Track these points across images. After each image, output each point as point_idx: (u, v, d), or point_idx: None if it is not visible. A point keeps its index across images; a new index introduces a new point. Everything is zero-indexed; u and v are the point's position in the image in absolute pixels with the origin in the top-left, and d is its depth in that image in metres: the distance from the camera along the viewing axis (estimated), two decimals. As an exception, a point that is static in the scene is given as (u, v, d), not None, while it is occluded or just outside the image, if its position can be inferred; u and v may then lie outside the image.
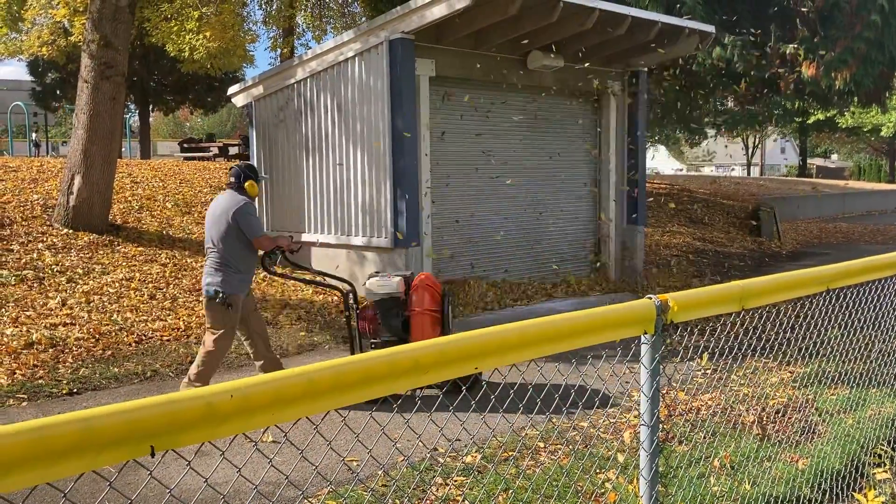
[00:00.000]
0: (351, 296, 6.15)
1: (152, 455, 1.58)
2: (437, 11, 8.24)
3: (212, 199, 13.10)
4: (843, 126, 37.33)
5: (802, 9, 13.46)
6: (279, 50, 24.34)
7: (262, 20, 24.48)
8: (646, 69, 11.67)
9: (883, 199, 29.65)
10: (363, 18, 22.91)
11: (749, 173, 57.00)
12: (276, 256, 5.97)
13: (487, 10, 8.56)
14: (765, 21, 13.51)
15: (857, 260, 4.09)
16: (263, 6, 23.89)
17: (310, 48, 25.31)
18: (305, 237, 10.27)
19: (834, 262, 4.01)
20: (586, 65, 10.42)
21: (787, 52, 13.06)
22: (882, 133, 38.01)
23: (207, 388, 1.74)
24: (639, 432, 2.91)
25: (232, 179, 5.78)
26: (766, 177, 47.32)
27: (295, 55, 23.25)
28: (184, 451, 1.72)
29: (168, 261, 9.89)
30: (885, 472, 4.40)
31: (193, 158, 22.53)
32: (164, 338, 7.71)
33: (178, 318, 8.19)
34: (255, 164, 11.25)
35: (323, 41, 24.36)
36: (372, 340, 6.12)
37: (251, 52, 29.92)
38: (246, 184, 5.76)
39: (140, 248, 10.16)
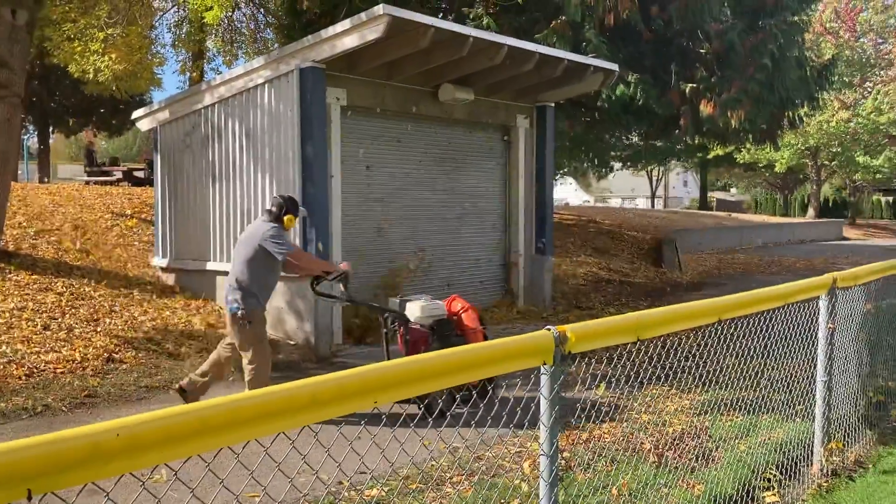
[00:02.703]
0: (390, 319, 6.44)
1: (28, 499, 1.51)
2: (349, 42, 8.28)
3: (114, 226, 12.71)
4: (741, 161, 39.16)
5: (701, 50, 14.14)
6: (188, 74, 23.90)
7: (171, 43, 23.99)
8: (553, 104, 12.00)
9: (778, 232, 31.14)
10: (276, 45, 22.76)
11: (653, 205, 59.03)
12: (322, 280, 6.39)
13: (399, 43, 8.66)
14: (666, 60, 14.12)
15: (747, 292, 4.29)
16: (172, 29, 23.44)
17: (220, 73, 24.94)
18: (210, 266, 10.04)
19: (732, 292, 4.19)
20: (496, 99, 10.64)
21: (687, 90, 13.66)
22: (776, 169, 40.04)
23: (92, 426, 1.68)
24: (538, 462, 2.95)
25: (273, 209, 6.11)
26: (668, 209, 49.14)
27: (204, 80, 22.87)
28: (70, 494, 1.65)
29: (65, 289, 9.48)
30: (774, 495, 4.59)
31: (96, 183, 21.75)
32: (58, 370, 7.36)
33: (74, 350, 7.84)
34: (161, 191, 10.98)
35: (234, 66, 24.08)
36: None
37: (159, 76, 29.28)
38: (285, 217, 6.12)
39: (34, 277, 9.71)
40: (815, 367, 5.14)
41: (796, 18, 14.69)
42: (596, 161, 27.29)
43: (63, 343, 8.00)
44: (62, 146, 63.65)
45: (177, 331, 8.85)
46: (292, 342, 8.93)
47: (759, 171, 45.13)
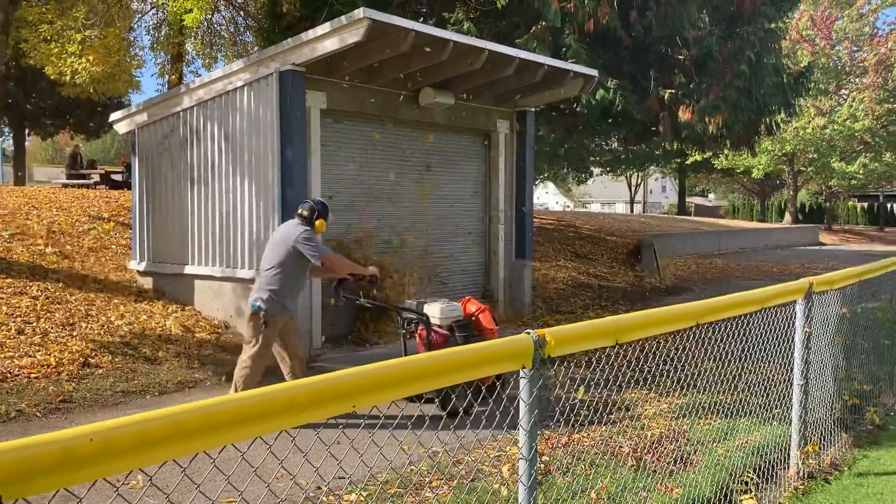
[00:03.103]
0: (409, 320, 6.66)
1: (-1, 505, 1.48)
2: (329, 45, 8.25)
3: (91, 230, 12.58)
4: (719, 167, 39.52)
5: (679, 56, 14.25)
6: (167, 76, 23.74)
7: (150, 46, 23.78)
8: (533, 109, 12.04)
9: (755, 237, 31.43)
10: (255, 48, 22.66)
11: (632, 210, 59.41)
12: (349, 283, 6.55)
13: (379, 46, 8.64)
14: (645, 66, 14.21)
15: (725, 296, 4.32)
16: (151, 32, 23.26)
17: (199, 75, 24.81)
18: (189, 269, 9.97)
19: (710, 296, 4.22)
20: (477, 103, 10.65)
21: (666, 96, 13.76)
22: (753, 175, 40.43)
23: (64, 431, 1.65)
24: (517, 466, 2.95)
25: (304, 212, 6.22)
26: (647, 214, 49.45)
27: (183, 82, 22.73)
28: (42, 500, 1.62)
29: (40, 293, 9.36)
30: (751, 498, 4.62)
31: (73, 186, 21.54)
32: (32, 375, 7.26)
33: (49, 355, 7.74)
34: (139, 195, 10.89)
35: (213, 69, 23.93)
36: None
37: (137, 78, 29.03)
38: (317, 221, 6.22)
39: (9, 280, 9.58)
40: (791, 371, 5.18)
41: (773, 26, 14.84)
42: (575, 166, 27.43)
43: (38, 348, 7.90)
44: (39, 148, 62.97)
45: (154, 335, 8.77)
46: (271, 346, 8.87)
47: (737, 176, 45.55)
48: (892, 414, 6.82)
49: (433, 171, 11.13)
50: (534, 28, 13.07)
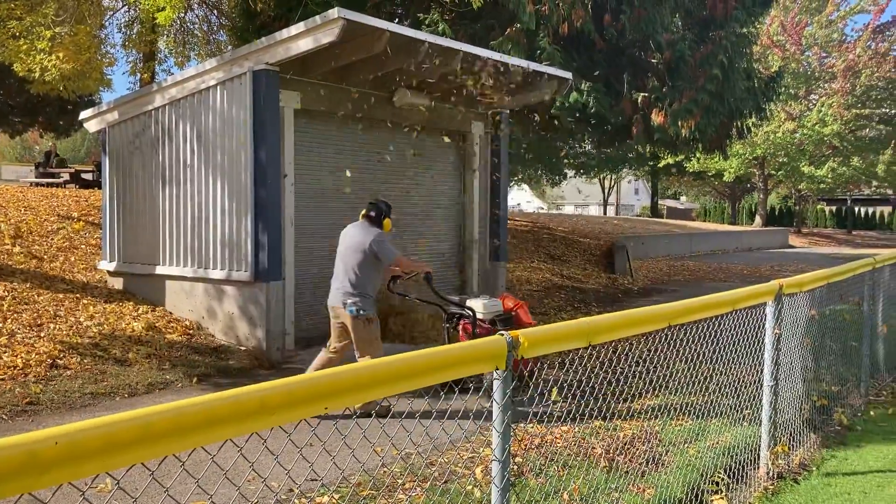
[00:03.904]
0: (454, 316, 7.14)
1: (-40, 510, 1.45)
2: (303, 45, 8.20)
3: (60, 229, 12.40)
4: (691, 170, 39.90)
5: (652, 59, 14.36)
6: (139, 75, 23.45)
7: (122, 44, 23.51)
8: (508, 111, 12.06)
9: (726, 240, 31.76)
10: (229, 47, 22.48)
11: (605, 212, 59.78)
12: (399, 278, 7.04)
13: (354, 47, 8.60)
14: (619, 70, 14.30)
15: (696, 298, 4.35)
16: (123, 29, 23.00)
17: (172, 74, 24.55)
18: (160, 270, 9.86)
19: (682, 298, 4.25)
20: (452, 105, 10.64)
21: (639, 100, 13.86)
22: (724, 178, 40.86)
23: (29, 434, 1.62)
24: (490, 467, 2.95)
25: (372, 213, 6.59)
26: (620, 216, 49.80)
27: (155, 81, 22.49)
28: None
29: (6, 294, 9.20)
30: (722, 498, 4.66)
31: (42, 185, 21.22)
32: (-1, 377, 7.14)
33: (16, 356, 7.61)
34: (109, 194, 10.75)
35: (186, 68, 23.70)
36: None
37: (109, 76, 28.62)
38: (384, 221, 6.60)
39: (-25, 280, 9.42)
40: (761, 372, 5.24)
41: (745, 30, 15.00)
42: (549, 168, 27.53)
43: (4, 349, 7.76)
44: (7, 146, 61.98)
45: (124, 336, 8.65)
46: (243, 348, 8.80)
47: (709, 179, 46.02)
48: (859, 415, 6.92)
49: (407, 173, 11.10)
50: (508, 30, 13.09)
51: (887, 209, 52.23)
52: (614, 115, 14.01)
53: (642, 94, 13.82)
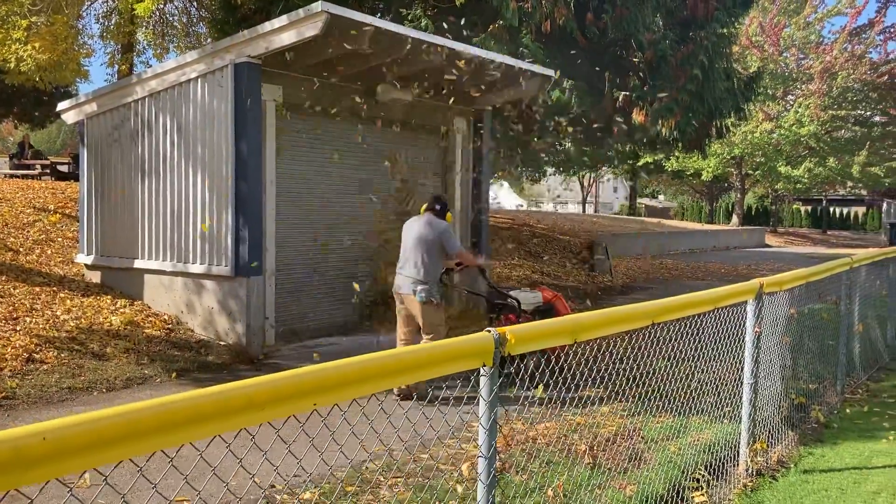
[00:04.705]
0: (497, 307, 7.69)
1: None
2: (286, 38, 8.14)
3: (36, 221, 12.22)
4: (669, 169, 40.14)
5: (633, 59, 14.40)
6: (117, 66, 23.20)
7: (100, 34, 23.21)
8: (490, 108, 12.05)
9: (704, 238, 32.01)
10: (208, 40, 22.28)
11: (584, 210, 60.00)
12: (452, 271, 7.76)
13: (337, 41, 8.55)
14: (600, 68, 14.33)
15: (679, 296, 4.38)
16: (101, 20, 22.72)
17: (150, 66, 24.31)
18: (138, 263, 9.76)
19: (662, 296, 4.27)
20: (434, 101, 10.61)
21: (620, 98, 13.90)
22: (703, 177, 41.15)
23: (15, 430, 1.60)
24: (476, 464, 2.94)
25: (437, 207, 7.17)
26: (598, 214, 50.03)
27: (134, 73, 22.24)
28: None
29: (-19, 286, 9.08)
30: (703, 495, 4.70)
31: (16, 176, 20.92)
32: (-27, 371, 7.04)
33: (-9, 350, 7.51)
34: (87, 186, 10.62)
35: (165, 60, 23.47)
36: None
37: (86, 67, 28.27)
38: (447, 214, 7.18)
39: (-52, 273, 9.28)
40: (742, 370, 5.29)
41: (725, 31, 15.09)
42: (530, 166, 27.55)
43: (-21, 343, 7.65)
44: (-20, 138, 61.06)
45: (102, 330, 8.56)
46: (223, 343, 8.74)
47: (687, 179, 46.33)
48: (835, 412, 7.00)
49: (390, 168, 11.05)
50: (491, 27, 13.08)
51: (861, 209, 52.90)
52: (596, 113, 14.05)
53: (623, 92, 13.86)
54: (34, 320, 8.45)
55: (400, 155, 11.10)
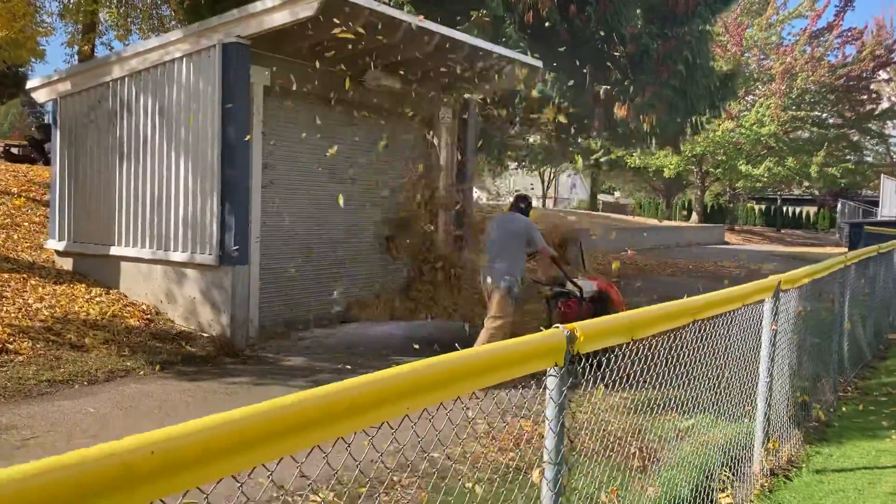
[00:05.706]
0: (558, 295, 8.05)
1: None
2: (279, 18, 7.84)
3: (1, 205, 11.66)
4: (632, 166, 40.42)
5: (616, 53, 14.34)
6: (77, 47, 22.43)
7: (59, 13, 22.38)
8: (478, 98, 11.86)
9: (667, 235, 32.31)
10: (173, 22, 21.65)
11: (544, 205, 60.19)
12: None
13: (331, 23, 8.26)
14: (582, 61, 14.25)
15: (715, 293, 4.28)
16: (61, -2, 21.95)
17: (112, 48, 23.57)
18: (115, 251, 9.36)
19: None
20: (421, 88, 10.38)
21: (601, 92, 13.83)
22: (665, 174, 41.53)
23: (119, 443, 1.38)
24: (543, 469, 2.77)
25: (522, 205, 7.76)
26: (559, 209, 50.22)
27: (96, 54, 21.53)
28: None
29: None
30: (728, 496, 4.61)
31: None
32: (-55, 362, 6.63)
33: (-38, 339, 7.09)
34: (59, 169, 10.17)
35: (128, 42, 22.76)
36: None
37: (43, 47, 27.30)
38: (530, 212, 7.76)
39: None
40: (758, 368, 5.21)
41: (705, 27, 15.13)
42: (494, 158, 27.40)
43: (-52, 331, 7.23)
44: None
45: (78, 320, 8.17)
46: (206, 334, 8.41)
47: (647, 175, 46.72)
48: (832, 410, 7.01)
49: (375, 155, 10.78)
50: (475, 16, 12.88)
51: (813, 209, 54.00)
52: (577, 106, 13.96)
53: (605, 86, 13.80)
54: (5, 308, 8.03)
55: (386, 142, 10.82)
